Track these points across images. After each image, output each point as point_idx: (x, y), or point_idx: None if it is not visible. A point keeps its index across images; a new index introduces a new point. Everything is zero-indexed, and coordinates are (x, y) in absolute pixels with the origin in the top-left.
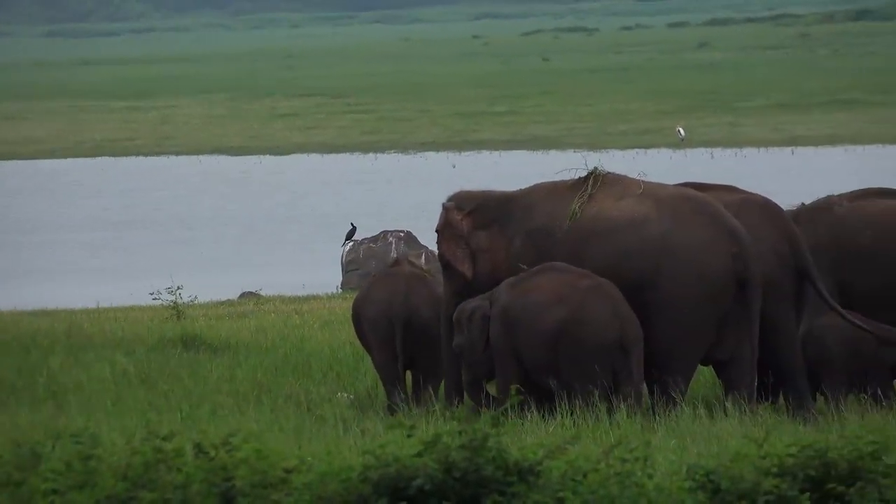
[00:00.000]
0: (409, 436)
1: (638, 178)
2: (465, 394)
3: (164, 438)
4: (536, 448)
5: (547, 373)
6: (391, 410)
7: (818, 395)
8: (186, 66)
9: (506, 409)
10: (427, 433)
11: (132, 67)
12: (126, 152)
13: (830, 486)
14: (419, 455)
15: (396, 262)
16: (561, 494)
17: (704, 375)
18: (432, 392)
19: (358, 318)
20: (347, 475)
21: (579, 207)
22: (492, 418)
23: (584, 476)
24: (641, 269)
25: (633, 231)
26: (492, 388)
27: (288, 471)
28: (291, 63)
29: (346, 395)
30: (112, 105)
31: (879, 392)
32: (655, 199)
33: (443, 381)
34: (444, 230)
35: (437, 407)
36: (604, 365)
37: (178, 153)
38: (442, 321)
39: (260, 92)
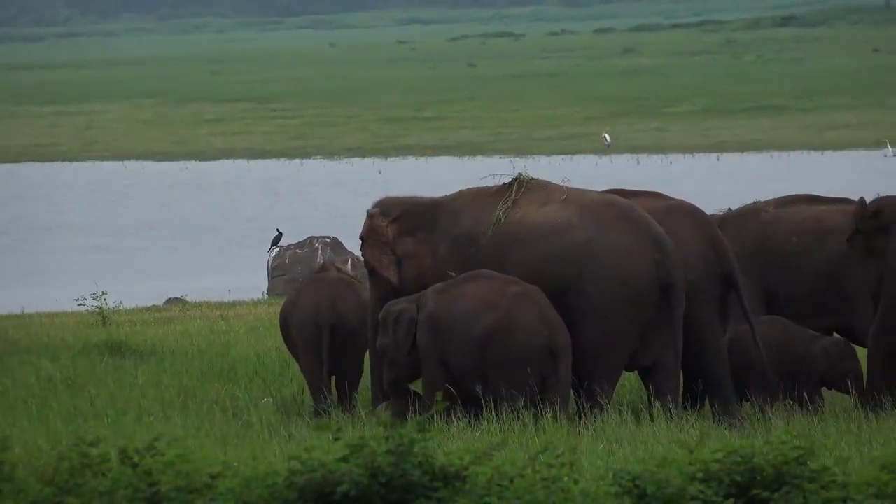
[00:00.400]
0: (335, 440)
1: (562, 184)
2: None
3: (89, 444)
4: (463, 453)
5: (475, 379)
6: (317, 415)
7: (744, 400)
8: (112, 70)
9: (432, 415)
10: (353, 438)
11: (58, 72)
12: (51, 157)
13: (756, 491)
14: (345, 460)
15: (323, 267)
16: (487, 500)
17: (631, 381)
18: (357, 397)
19: (285, 324)
20: (273, 480)
21: (503, 213)
22: (418, 423)
23: (511, 481)
24: (565, 274)
25: (557, 237)
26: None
27: (213, 476)
28: (217, 68)
29: (269, 399)
30: (37, 110)
31: (807, 397)
32: (579, 205)
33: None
34: (369, 237)
35: (362, 412)
36: (532, 371)
37: (103, 158)
38: (369, 327)
39: (186, 97)
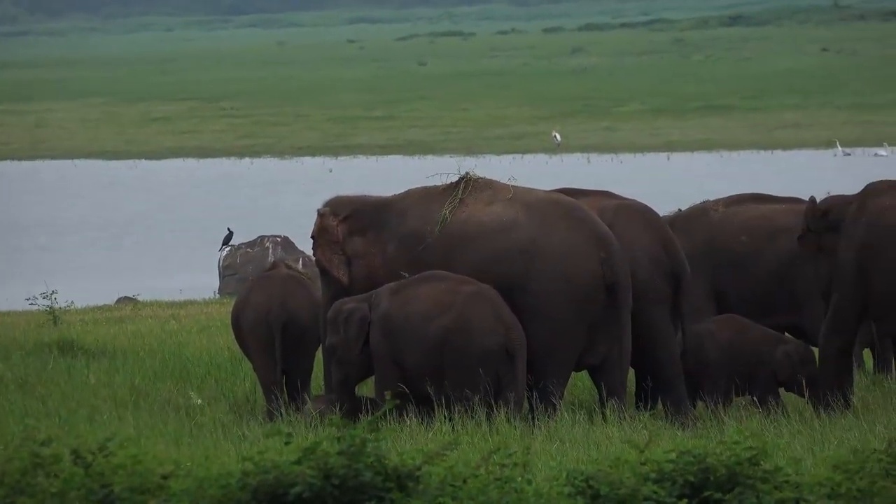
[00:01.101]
0: (286, 443)
1: (508, 182)
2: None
3: (41, 444)
4: (415, 454)
5: (429, 379)
6: (270, 415)
7: (698, 400)
8: (61, 70)
9: (384, 415)
10: (306, 439)
11: (6, 71)
12: (1, 156)
13: (709, 492)
14: (298, 462)
15: (274, 265)
16: (440, 500)
17: (584, 381)
18: (308, 396)
19: (237, 323)
20: (226, 481)
21: (449, 213)
22: (369, 424)
23: (464, 482)
24: (510, 273)
25: (503, 235)
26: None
27: (165, 476)
28: (166, 67)
29: (195, 394)
30: None
31: (763, 397)
32: (525, 204)
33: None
34: (320, 236)
35: (314, 412)
36: (488, 371)
37: (52, 157)
38: (321, 327)
39: (135, 96)
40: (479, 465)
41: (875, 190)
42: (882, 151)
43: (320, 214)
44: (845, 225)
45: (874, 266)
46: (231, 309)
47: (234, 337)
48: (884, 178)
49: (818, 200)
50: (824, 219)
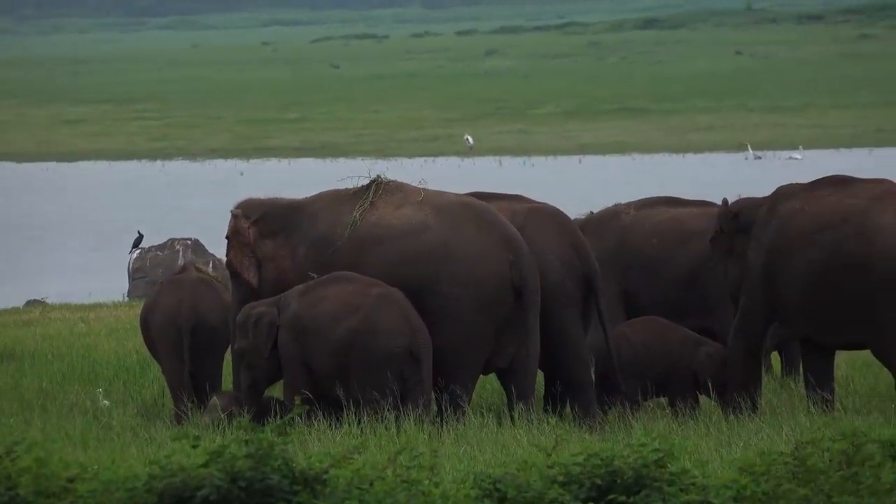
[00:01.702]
0: (193, 446)
1: (419, 185)
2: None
3: None
4: (323, 457)
5: (337, 381)
6: (178, 418)
7: (605, 404)
8: None
9: (293, 418)
10: (213, 443)
11: None
12: None
13: (615, 494)
14: (205, 465)
15: (184, 268)
16: (347, 503)
17: (492, 384)
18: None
19: (146, 325)
20: (132, 484)
21: (360, 215)
22: (277, 427)
23: (371, 484)
24: (420, 275)
25: (412, 238)
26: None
27: (71, 480)
28: (79, 69)
29: (101, 393)
30: None
31: (679, 399)
32: (434, 207)
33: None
34: (233, 238)
35: (220, 410)
36: (394, 373)
37: None
38: (231, 329)
39: (46, 98)
40: (386, 467)
41: (785, 193)
42: (796, 154)
43: (234, 216)
44: (755, 228)
45: (782, 269)
46: (140, 311)
47: (142, 340)
48: (794, 182)
49: (730, 203)
50: (735, 221)
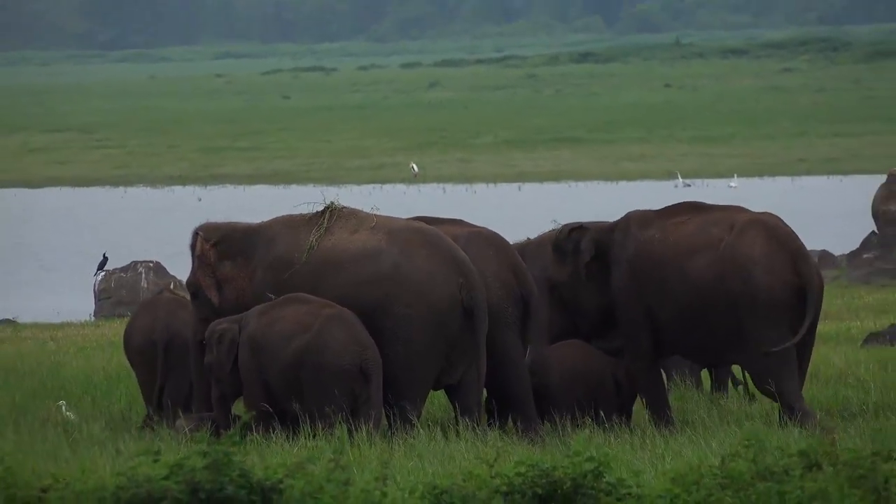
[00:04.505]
0: (154, 461)
1: (371, 212)
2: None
3: None
4: (278, 467)
5: (291, 396)
6: (145, 426)
7: (547, 418)
8: None
9: (246, 429)
10: (172, 457)
11: None
12: None
13: (555, 503)
14: (166, 477)
15: (161, 291)
16: None
17: (439, 399)
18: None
19: (126, 342)
20: (101, 494)
21: (316, 240)
22: (230, 438)
23: (322, 492)
24: (374, 297)
25: (366, 262)
26: (239, 408)
27: (44, 490)
28: (43, 99)
29: (63, 404)
30: None
31: (608, 415)
32: (387, 232)
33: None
34: (198, 258)
35: (186, 429)
36: (343, 389)
37: None
38: (191, 343)
39: (12, 127)
40: (338, 477)
41: (638, 219)
42: (732, 183)
43: (198, 237)
44: (612, 253)
45: (649, 294)
46: (112, 330)
47: (125, 355)
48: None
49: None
50: (590, 246)
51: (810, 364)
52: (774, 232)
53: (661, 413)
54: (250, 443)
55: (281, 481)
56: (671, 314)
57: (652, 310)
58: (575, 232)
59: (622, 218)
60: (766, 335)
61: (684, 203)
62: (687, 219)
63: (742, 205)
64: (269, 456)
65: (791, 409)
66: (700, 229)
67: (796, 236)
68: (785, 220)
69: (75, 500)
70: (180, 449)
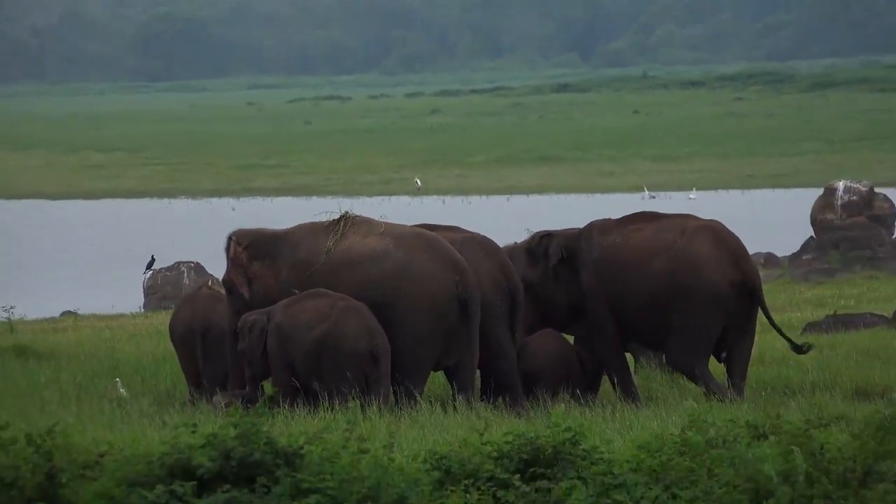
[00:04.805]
0: (193, 432)
1: (381, 219)
2: (247, 387)
3: (0, 428)
4: (299, 436)
5: (312, 376)
6: (192, 402)
7: (531, 396)
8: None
9: (270, 403)
10: (211, 427)
11: None
12: None
13: (538, 467)
14: (203, 446)
15: (200, 287)
16: (320, 473)
17: (439, 379)
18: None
19: (171, 331)
20: (149, 459)
21: (333, 244)
22: (257, 410)
23: (338, 457)
24: (383, 293)
25: (376, 262)
26: (268, 387)
27: (101, 455)
28: (99, 124)
29: (118, 382)
30: None
31: (579, 393)
32: (394, 237)
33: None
34: (232, 260)
35: (222, 403)
36: (357, 370)
37: (6, 198)
38: (226, 332)
39: (74, 147)
40: (351, 444)
41: (600, 227)
42: (692, 195)
43: (231, 241)
44: (581, 258)
45: (614, 294)
46: (160, 320)
47: (169, 341)
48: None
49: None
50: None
51: (756, 348)
52: (719, 236)
53: (627, 390)
54: (277, 415)
55: (302, 448)
56: (632, 306)
57: (616, 304)
58: (544, 238)
59: (586, 226)
60: (695, 321)
61: (640, 212)
62: (643, 225)
63: (700, 214)
64: (292, 426)
65: (694, 379)
66: (655, 234)
67: (738, 240)
68: (736, 227)
69: (127, 464)
70: (216, 421)
